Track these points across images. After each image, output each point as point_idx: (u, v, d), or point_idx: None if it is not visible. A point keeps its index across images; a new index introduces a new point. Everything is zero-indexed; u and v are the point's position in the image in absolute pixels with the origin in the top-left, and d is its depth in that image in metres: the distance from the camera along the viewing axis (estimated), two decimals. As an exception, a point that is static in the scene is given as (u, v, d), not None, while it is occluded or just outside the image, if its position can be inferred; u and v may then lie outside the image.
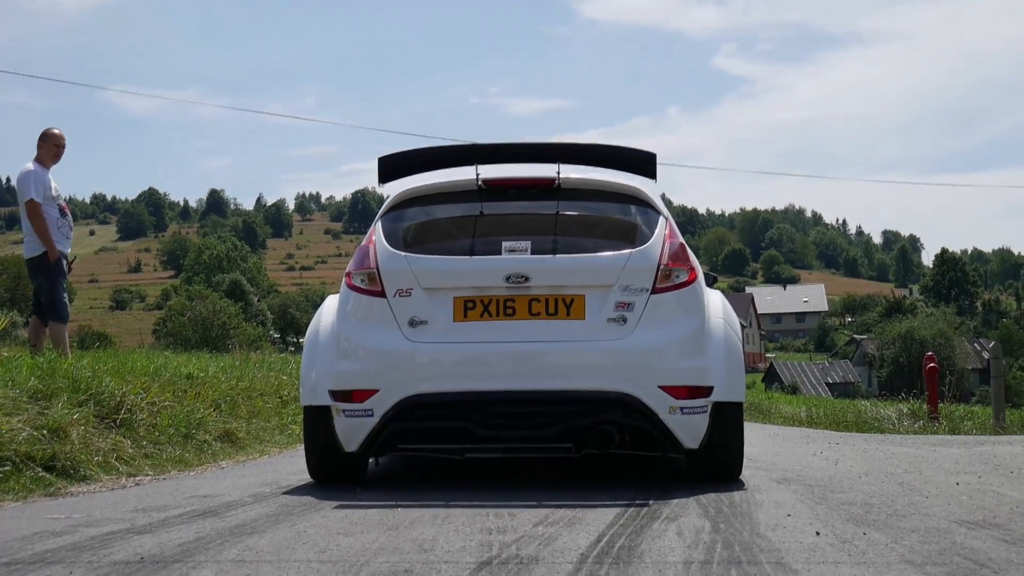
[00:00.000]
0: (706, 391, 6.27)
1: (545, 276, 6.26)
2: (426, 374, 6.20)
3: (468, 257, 6.37)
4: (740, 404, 6.65)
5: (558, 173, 6.73)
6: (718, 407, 6.35)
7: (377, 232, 6.65)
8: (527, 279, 6.21)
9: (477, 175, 6.73)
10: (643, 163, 7.09)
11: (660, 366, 6.19)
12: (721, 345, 6.49)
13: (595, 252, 6.42)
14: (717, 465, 6.57)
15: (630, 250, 6.40)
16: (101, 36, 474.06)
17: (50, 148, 11.07)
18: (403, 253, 6.42)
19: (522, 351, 6.18)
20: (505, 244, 6.38)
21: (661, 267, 6.38)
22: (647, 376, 6.15)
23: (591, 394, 6.16)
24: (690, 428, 6.22)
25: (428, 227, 6.82)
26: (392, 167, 7.01)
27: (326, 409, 6.34)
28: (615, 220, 6.78)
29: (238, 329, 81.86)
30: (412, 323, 6.25)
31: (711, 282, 7.45)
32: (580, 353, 6.19)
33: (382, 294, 6.34)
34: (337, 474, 6.59)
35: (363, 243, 6.66)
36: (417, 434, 6.35)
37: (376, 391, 6.18)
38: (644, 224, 6.63)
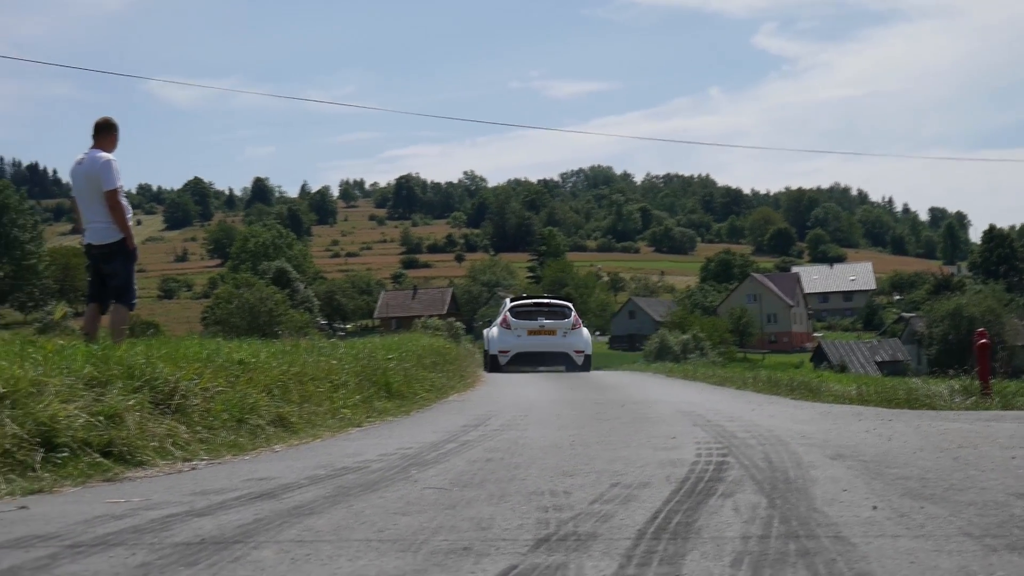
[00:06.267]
0: (585, 353, 26.01)
1: (550, 324, 26.00)
2: (521, 346, 25.96)
3: (529, 321, 26.03)
4: (591, 355, 26.61)
5: (547, 298, 28.51)
6: (587, 355, 26.13)
7: (506, 311, 26.74)
8: (543, 325, 25.94)
9: (531, 299, 28.54)
10: (567, 300, 28.67)
11: (576, 346, 25.98)
12: (588, 340, 26.61)
13: (559, 319, 26.23)
14: (585, 370, 26.00)
15: (568, 318, 26.25)
16: (141, 26, 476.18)
17: (115, 139, 11.40)
18: (514, 318, 26.17)
19: (542, 341, 26.03)
20: (539, 318, 26.23)
21: (573, 320, 26.21)
22: (574, 348, 25.94)
23: (560, 352, 26.00)
24: (581, 361, 25.90)
25: (518, 311, 26.52)
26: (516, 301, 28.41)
27: (495, 355, 26.19)
28: (561, 310, 26.63)
29: (285, 316, 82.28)
30: (518, 335, 25.88)
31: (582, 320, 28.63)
32: (559, 341, 25.99)
33: (511, 328, 25.99)
34: (495, 371, 25.30)
35: (502, 315, 26.81)
36: (518, 361, 25.91)
37: (509, 351, 25.95)
38: (569, 311, 26.68)
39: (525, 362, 25.69)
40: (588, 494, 5.18)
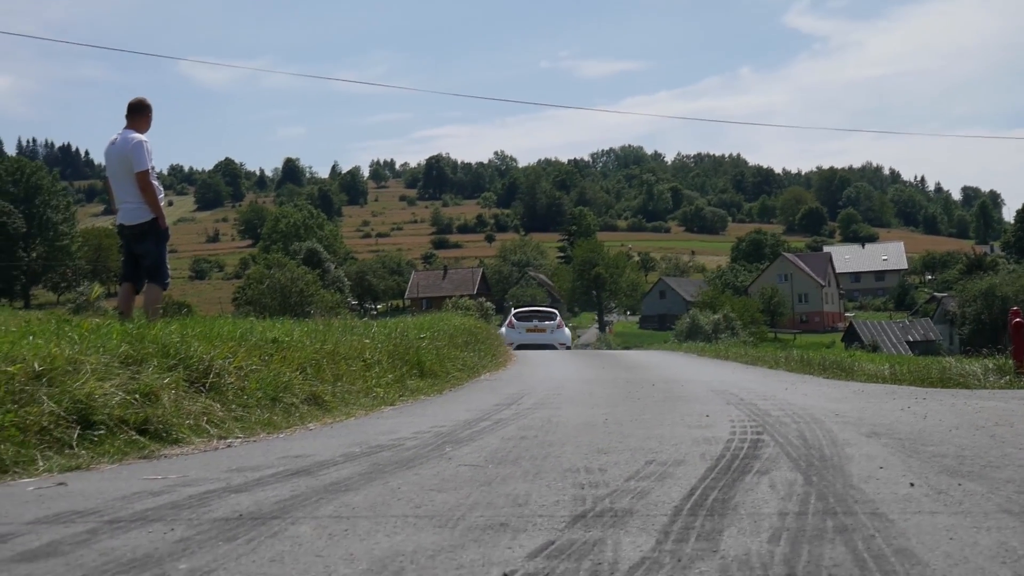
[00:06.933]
0: (565, 344, 34.72)
1: (541, 325, 34.91)
2: (521, 339, 33.37)
3: (527, 322, 35.19)
4: (570, 346, 36.62)
5: (541, 308, 43.15)
6: (568, 347, 34.88)
7: (512, 316, 36.05)
8: (536, 325, 34.80)
9: (529, 308, 41.89)
10: (553, 308, 44.36)
11: (560, 339, 34.46)
12: (568, 336, 35.91)
13: (548, 321, 35.38)
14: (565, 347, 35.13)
15: (554, 320, 35.52)
16: (173, 7, 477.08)
17: (149, 119, 11.50)
18: (517, 320, 35.13)
19: (536, 337, 34.12)
20: (533, 320, 35.44)
21: (558, 322, 35.32)
22: (558, 341, 34.24)
23: (548, 344, 33.58)
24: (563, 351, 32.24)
25: (520, 316, 36.04)
26: (518, 309, 38.51)
27: (509, 345, 28.38)
28: (549, 315, 36.51)
29: (316, 296, 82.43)
30: (519, 332, 34.11)
31: (565, 319, 56.25)
32: (547, 336, 34.30)
33: (515, 327, 34.49)
34: (512, 351, 25.36)
35: (509, 319, 35.98)
36: (522, 347, 30.98)
37: (513, 343, 31.04)
38: (555, 316, 36.25)
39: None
40: (623, 471, 5.18)
